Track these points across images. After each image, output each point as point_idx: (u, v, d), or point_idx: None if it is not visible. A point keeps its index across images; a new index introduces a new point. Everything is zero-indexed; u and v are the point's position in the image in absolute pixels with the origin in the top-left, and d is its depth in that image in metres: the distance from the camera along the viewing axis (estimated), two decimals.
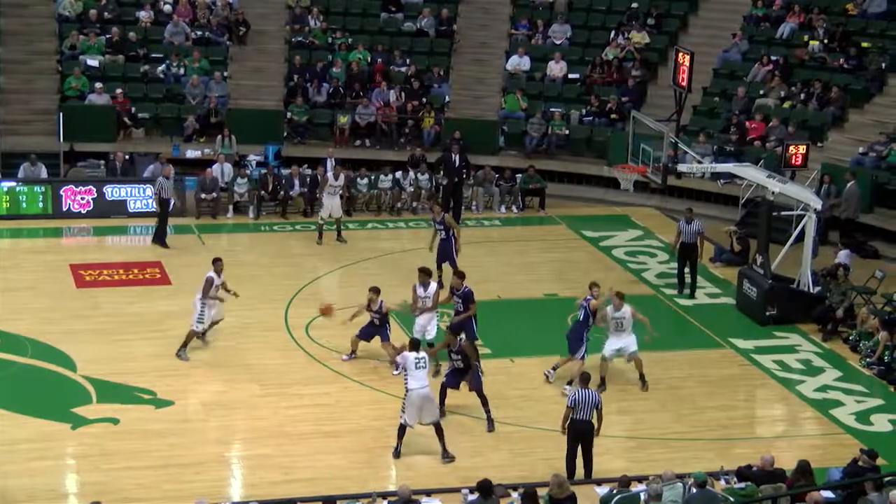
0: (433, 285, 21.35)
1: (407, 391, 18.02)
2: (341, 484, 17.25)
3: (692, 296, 25.12)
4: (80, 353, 21.26)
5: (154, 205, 27.57)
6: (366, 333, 21.23)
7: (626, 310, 20.55)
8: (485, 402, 19.12)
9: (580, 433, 17.38)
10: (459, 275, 21.56)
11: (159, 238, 26.76)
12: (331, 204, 27.41)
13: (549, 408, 19.96)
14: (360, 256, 26.18)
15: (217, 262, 21.61)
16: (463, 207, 29.57)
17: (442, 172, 29.32)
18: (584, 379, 17.64)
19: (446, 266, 23.90)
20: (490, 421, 19.12)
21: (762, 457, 16.68)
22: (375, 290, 21.02)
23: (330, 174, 27.78)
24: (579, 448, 17.43)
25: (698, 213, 27.22)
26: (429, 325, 21.07)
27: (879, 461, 17.04)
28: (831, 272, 24.05)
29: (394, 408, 19.36)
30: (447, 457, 18.11)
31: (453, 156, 29.10)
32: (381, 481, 17.52)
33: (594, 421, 17.41)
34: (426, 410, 18.06)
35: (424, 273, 21.32)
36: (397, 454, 18.16)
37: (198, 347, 21.61)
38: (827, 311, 23.46)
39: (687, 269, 25.20)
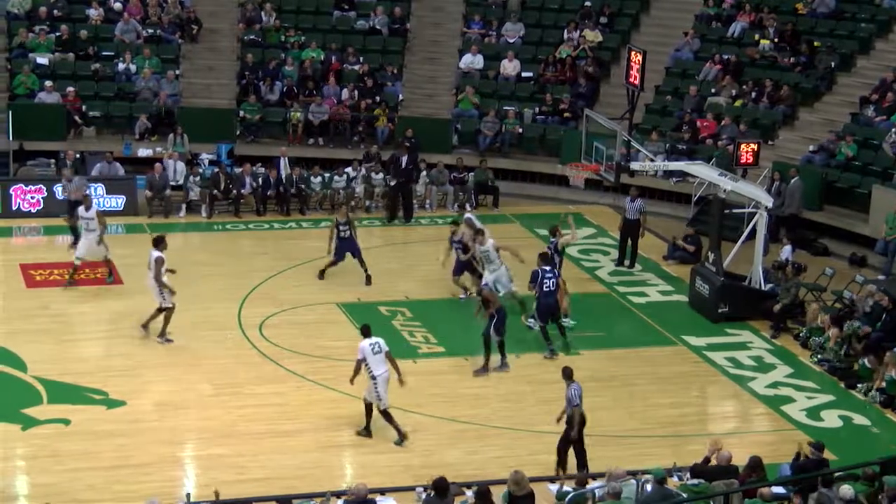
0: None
1: (375, 377, 18.29)
2: (294, 483, 17.18)
3: (631, 266, 26.43)
4: (31, 353, 21.06)
5: None
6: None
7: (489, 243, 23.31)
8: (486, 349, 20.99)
9: None
10: None
11: None
12: (86, 244, 23.82)
13: (501, 406, 20.03)
14: (313, 255, 26.04)
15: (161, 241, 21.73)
16: (415, 206, 29.57)
17: (391, 173, 29.30)
18: None
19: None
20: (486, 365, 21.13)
21: (719, 453, 16.74)
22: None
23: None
24: None
25: (652, 211, 27.43)
26: None
27: (830, 456, 17.18)
28: (781, 265, 24.19)
29: (347, 406, 19.32)
30: (367, 431, 18.69)
31: (401, 158, 29.07)
32: (334, 480, 17.45)
33: None
34: (387, 393, 18.52)
35: None
36: (368, 432, 18.62)
37: (150, 347, 21.54)
38: (781, 309, 23.59)
39: (630, 245, 26.51)
